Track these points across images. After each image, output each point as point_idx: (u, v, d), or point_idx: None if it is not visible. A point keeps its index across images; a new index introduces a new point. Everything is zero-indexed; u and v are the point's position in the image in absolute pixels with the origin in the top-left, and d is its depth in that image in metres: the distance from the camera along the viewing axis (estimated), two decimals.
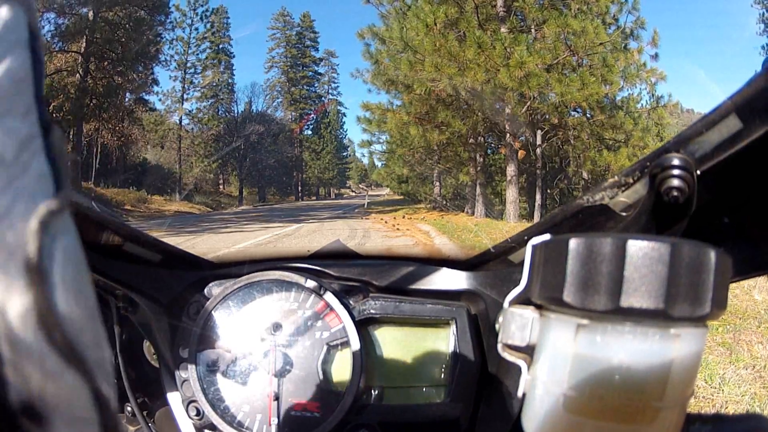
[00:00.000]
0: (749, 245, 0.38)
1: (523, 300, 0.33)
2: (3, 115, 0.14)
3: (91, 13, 19.77)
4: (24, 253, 0.12)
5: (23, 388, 0.12)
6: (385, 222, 12.25)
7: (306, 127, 41.04)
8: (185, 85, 30.45)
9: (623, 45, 11.54)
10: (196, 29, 31.06)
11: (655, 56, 11.97)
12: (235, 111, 34.22)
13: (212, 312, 0.65)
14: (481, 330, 0.63)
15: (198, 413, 0.62)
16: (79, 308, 0.14)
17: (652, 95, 13.05)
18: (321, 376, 0.62)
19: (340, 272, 0.68)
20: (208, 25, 31.68)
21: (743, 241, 0.38)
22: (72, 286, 0.14)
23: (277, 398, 0.61)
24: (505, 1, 11.48)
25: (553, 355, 0.29)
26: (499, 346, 0.34)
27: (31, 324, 0.12)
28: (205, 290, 0.67)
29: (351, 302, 0.65)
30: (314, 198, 41.15)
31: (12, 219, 0.13)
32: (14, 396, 0.12)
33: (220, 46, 32.34)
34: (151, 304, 0.62)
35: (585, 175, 13.05)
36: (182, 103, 30.13)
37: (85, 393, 0.13)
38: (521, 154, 12.07)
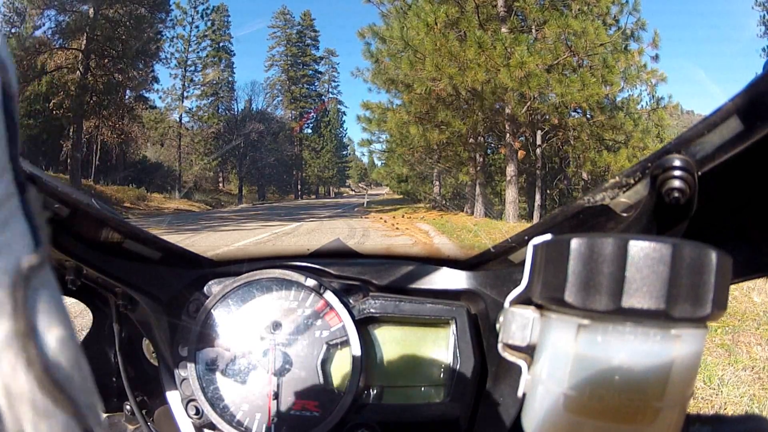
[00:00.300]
0: (750, 247, 0.38)
1: (524, 300, 0.33)
2: None
3: (91, 11, 19.75)
4: (9, 307, 0.13)
5: (17, 427, 0.13)
6: (385, 221, 12.25)
7: (306, 125, 41.05)
8: (185, 83, 30.43)
9: (624, 46, 11.55)
10: (197, 27, 31.05)
11: (656, 57, 11.98)
12: (235, 109, 34.23)
13: (212, 310, 0.65)
14: (481, 330, 0.63)
15: (197, 412, 0.62)
16: (64, 356, 0.14)
17: (653, 96, 13.07)
18: (320, 375, 0.62)
19: (340, 271, 0.68)
20: (209, 23, 31.67)
21: (744, 243, 0.38)
22: (56, 335, 0.14)
23: (276, 397, 0.61)
24: (505, 1, 11.48)
25: (554, 355, 0.29)
26: (500, 346, 0.34)
27: (22, 369, 0.13)
28: (205, 288, 0.67)
29: (351, 301, 0.65)
30: (314, 197, 41.13)
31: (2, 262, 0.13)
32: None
33: (221, 44, 32.32)
34: (151, 302, 0.62)
35: (585, 175, 13.06)
36: (182, 101, 30.12)
37: (75, 428, 0.14)
38: (521, 154, 12.07)
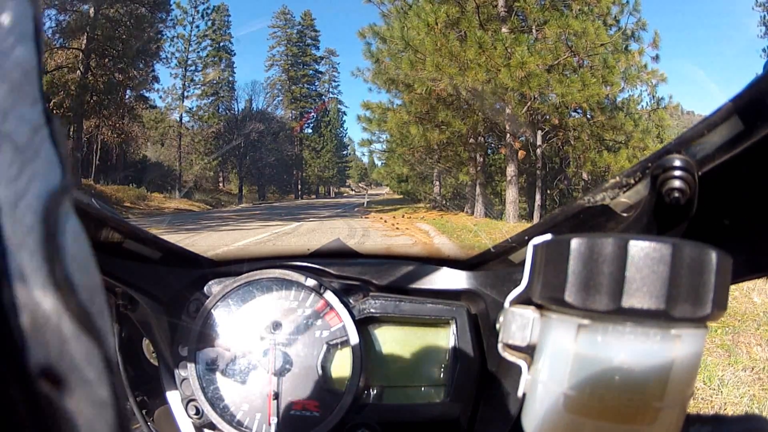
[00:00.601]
0: (749, 247, 0.38)
1: (524, 300, 0.33)
2: (16, 104, 0.15)
3: (92, 10, 19.75)
4: (41, 230, 0.14)
5: (42, 353, 0.13)
6: (385, 221, 12.25)
7: (306, 125, 41.05)
8: (186, 83, 30.43)
9: (624, 46, 11.54)
10: (197, 27, 31.04)
11: (656, 58, 11.98)
12: (236, 109, 34.22)
13: (212, 310, 0.65)
14: (481, 330, 0.63)
15: (197, 412, 0.62)
16: (88, 279, 0.15)
17: (653, 97, 13.06)
18: (320, 375, 0.62)
19: (340, 271, 0.68)
20: (209, 23, 31.66)
21: (744, 243, 0.38)
22: (81, 259, 0.15)
23: (276, 397, 0.61)
24: (506, 2, 11.47)
25: (554, 355, 0.29)
26: (500, 346, 0.34)
27: (50, 293, 0.14)
28: (205, 288, 0.67)
29: (351, 301, 0.65)
30: (314, 196, 41.13)
31: (29, 199, 0.14)
32: (34, 361, 0.13)
33: (221, 43, 32.31)
34: (151, 302, 0.62)
35: (585, 175, 13.06)
36: (183, 101, 30.12)
37: (96, 356, 0.14)
38: (521, 154, 12.06)
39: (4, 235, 0.13)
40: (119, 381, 0.13)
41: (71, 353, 0.14)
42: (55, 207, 0.15)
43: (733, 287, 0.32)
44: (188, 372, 0.63)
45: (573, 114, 12.34)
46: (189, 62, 30.63)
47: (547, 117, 11.90)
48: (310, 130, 41.41)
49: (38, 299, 0.13)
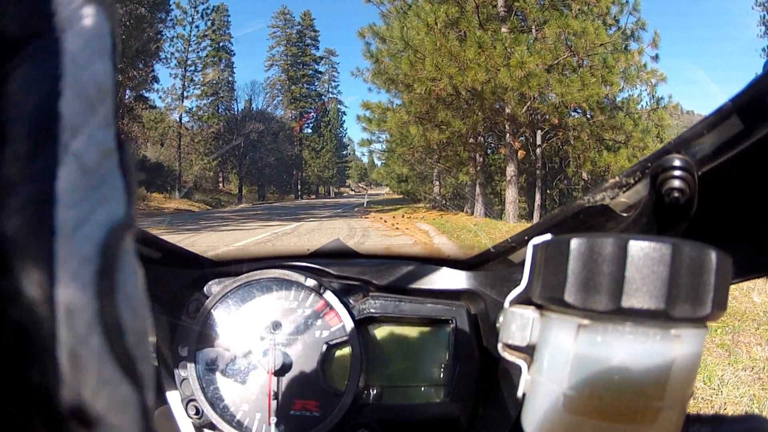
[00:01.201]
0: (749, 247, 0.38)
1: (524, 300, 0.33)
2: (88, 122, 0.14)
3: None
4: (99, 263, 0.13)
5: (77, 393, 0.12)
6: (385, 221, 12.25)
7: (306, 125, 41.04)
8: (185, 83, 30.43)
9: (624, 46, 11.54)
10: (197, 27, 31.04)
11: (656, 57, 11.97)
12: (235, 109, 34.23)
13: (212, 310, 0.65)
14: (481, 330, 0.63)
15: (197, 412, 0.62)
16: (138, 323, 0.14)
17: (653, 96, 13.06)
18: (320, 375, 0.62)
19: (340, 271, 0.68)
20: (209, 23, 31.66)
21: (743, 243, 0.38)
22: (134, 300, 0.14)
23: (276, 397, 0.61)
24: (506, 1, 11.47)
25: (554, 355, 0.29)
26: (500, 346, 0.34)
27: (96, 332, 0.13)
28: (205, 288, 0.67)
29: (351, 301, 0.65)
30: (314, 196, 41.13)
31: (90, 227, 0.13)
32: (67, 400, 0.12)
33: (221, 43, 32.32)
34: (151, 302, 0.62)
35: (585, 175, 13.06)
36: (182, 101, 30.12)
37: (134, 404, 0.14)
38: (521, 154, 12.06)
39: (57, 262, 0.12)
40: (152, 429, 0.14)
41: (108, 397, 0.13)
42: (116, 241, 0.14)
43: (733, 287, 0.32)
44: (188, 372, 0.63)
45: (573, 114, 12.34)
46: (189, 62, 30.64)
47: (547, 117, 11.90)
48: (309, 130, 41.42)
49: (83, 338, 0.13)
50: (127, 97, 23.69)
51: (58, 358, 0.12)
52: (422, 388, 0.63)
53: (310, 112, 40.46)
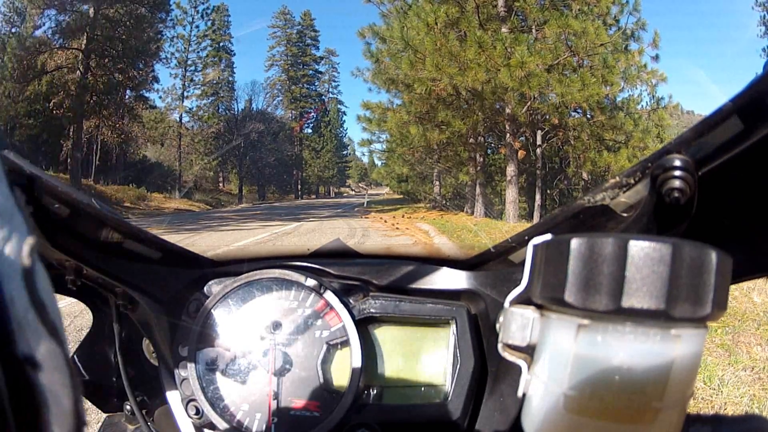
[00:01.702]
0: (749, 247, 0.38)
1: (524, 300, 0.33)
2: None
3: (92, 11, 19.75)
4: (22, 265, 0.20)
5: (25, 346, 0.19)
6: (385, 221, 12.25)
7: (306, 125, 41.06)
8: (185, 83, 30.44)
9: (624, 46, 11.55)
10: (197, 27, 31.06)
11: (656, 58, 11.98)
12: (236, 109, 34.23)
13: (212, 310, 0.65)
14: (481, 330, 0.63)
15: (197, 412, 0.62)
16: (52, 304, 0.21)
17: (653, 96, 13.07)
18: (320, 376, 0.62)
19: (340, 271, 0.68)
20: (209, 23, 31.68)
21: (743, 243, 0.38)
22: (47, 290, 0.21)
23: (276, 397, 0.61)
24: (506, 1, 11.47)
25: (554, 355, 0.29)
26: (500, 346, 0.34)
27: (30, 311, 0.19)
28: (205, 288, 0.67)
29: (351, 301, 0.65)
30: (314, 196, 41.13)
31: (12, 243, 0.20)
32: (20, 351, 0.18)
33: (221, 43, 32.32)
34: (151, 302, 0.62)
35: (585, 175, 13.06)
36: (182, 101, 30.13)
37: (60, 353, 0.20)
38: (521, 154, 12.07)
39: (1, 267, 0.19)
40: (75, 370, 0.21)
41: (44, 348, 0.19)
42: (30, 252, 0.20)
43: (733, 287, 0.32)
44: (188, 372, 0.63)
45: (573, 114, 12.34)
46: (189, 62, 30.65)
47: (547, 117, 11.90)
48: (310, 130, 41.43)
49: (23, 314, 0.19)
50: (127, 97, 23.69)
51: (12, 324, 0.18)
52: (422, 388, 0.63)
53: (310, 112, 40.48)
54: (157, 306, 0.63)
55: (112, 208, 0.59)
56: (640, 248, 0.25)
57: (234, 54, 33.30)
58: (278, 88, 39.68)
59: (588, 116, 12.05)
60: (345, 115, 44.66)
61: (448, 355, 0.64)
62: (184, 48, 30.18)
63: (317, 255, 0.73)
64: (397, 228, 10.21)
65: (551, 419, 0.29)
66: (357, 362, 0.61)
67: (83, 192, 0.53)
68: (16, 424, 0.18)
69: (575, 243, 0.27)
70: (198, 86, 31.03)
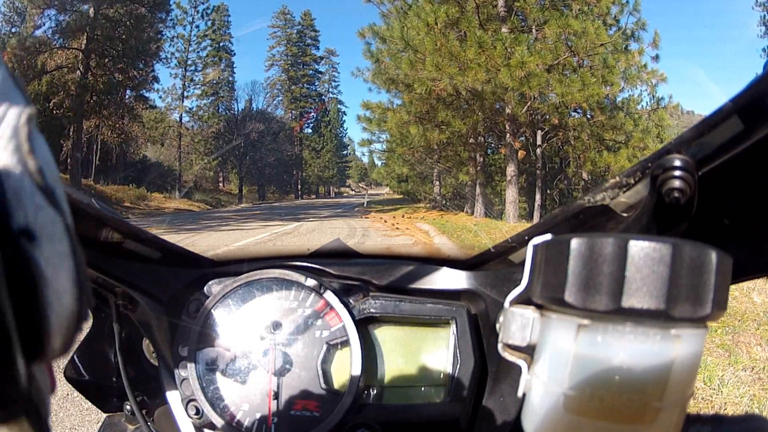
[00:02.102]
0: (749, 247, 0.38)
1: (524, 300, 0.33)
2: None
3: (92, 10, 19.75)
4: (22, 135, 0.19)
5: (22, 217, 0.18)
6: (385, 221, 12.26)
7: (306, 125, 41.06)
8: (186, 83, 30.45)
9: (624, 46, 11.55)
10: (197, 27, 31.06)
11: (656, 58, 11.98)
12: (236, 109, 34.23)
13: (212, 310, 0.65)
14: (481, 330, 0.63)
15: (197, 412, 0.62)
16: (51, 171, 0.20)
17: (653, 96, 13.07)
18: (321, 375, 0.62)
19: (340, 271, 0.68)
20: (209, 23, 31.68)
21: (743, 243, 0.38)
22: (47, 157, 0.21)
23: (276, 397, 0.61)
24: (506, 1, 11.48)
25: (554, 355, 0.29)
26: (500, 346, 0.34)
27: (27, 174, 0.19)
28: (205, 288, 0.67)
29: (351, 301, 0.65)
30: (314, 196, 41.12)
31: (10, 117, 0.19)
32: (16, 223, 0.17)
33: (221, 43, 32.33)
34: (151, 302, 0.62)
35: (585, 175, 13.06)
36: (182, 101, 30.13)
37: (60, 222, 0.19)
38: (521, 154, 12.07)
39: None
40: (76, 240, 0.20)
41: (42, 218, 0.18)
42: (27, 123, 0.20)
43: (733, 287, 0.32)
44: (188, 372, 0.63)
45: (573, 114, 12.34)
46: (189, 62, 30.66)
47: (547, 117, 11.90)
48: (310, 130, 41.43)
49: (19, 182, 0.18)
50: (127, 96, 23.68)
51: (7, 192, 0.18)
52: (422, 388, 0.63)
53: (310, 112, 40.48)
54: (157, 306, 0.63)
55: (112, 208, 0.59)
56: (640, 248, 0.25)
57: (234, 54, 33.34)
58: (278, 88, 39.69)
59: (588, 116, 12.05)
60: (345, 115, 44.70)
61: (448, 355, 0.64)
62: (184, 48, 30.20)
63: (317, 255, 0.73)
64: (397, 228, 10.21)
65: (551, 419, 0.29)
66: (357, 362, 0.61)
67: (83, 192, 0.53)
68: (12, 303, 0.17)
69: (575, 243, 0.27)
70: (198, 86, 31.05)
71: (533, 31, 11.51)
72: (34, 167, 0.19)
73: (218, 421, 0.61)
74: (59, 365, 0.58)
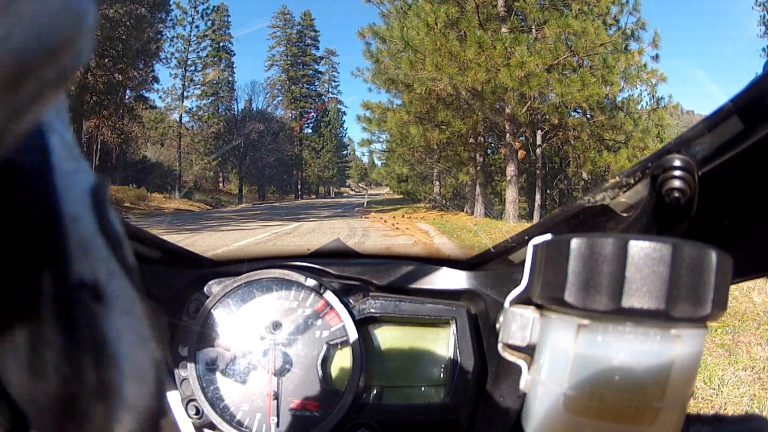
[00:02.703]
0: (749, 247, 0.38)
1: (524, 300, 0.33)
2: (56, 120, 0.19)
3: None
4: (90, 197, 0.18)
5: (87, 270, 0.16)
6: (385, 221, 12.25)
7: (306, 125, 41.03)
8: (185, 83, 30.42)
9: (624, 46, 11.54)
10: (197, 27, 31.02)
11: (656, 57, 11.97)
12: (236, 109, 34.19)
13: (212, 310, 0.65)
14: (481, 330, 0.63)
15: (197, 412, 0.62)
16: (124, 240, 0.19)
17: (653, 96, 13.05)
18: (320, 375, 0.62)
19: (340, 271, 0.68)
20: (209, 23, 31.65)
21: (743, 243, 0.38)
22: (118, 224, 0.20)
23: (276, 397, 0.61)
24: (506, 1, 11.47)
25: (554, 355, 0.29)
26: (500, 346, 0.34)
27: (99, 235, 0.17)
28: (205, 288, 0.67)
29: (351, 301, 0.65)
30: (314, 196, 41.11)
31: (79, 178, 0.18)
32: (77, 273, 0.16)
33: (221, 43, 32.30)
34: (151, 302, 0.62)
35: (585, 175, 13.05)
36: (182, 101, 30.11)
37: (127, 282, 0.18)
38: (521, 154, 12.06)
39: (64, 190, 0.17)
40: (150, 304, 0.18)
41: (108, 273, 0.17)
42: (100, 189, 0.19)
43: (733, 287, 0.32)
44: (188, 372, 0.63)
45: (573, 114, 12.33)
46: (189, 62, 30.62)
47: (547, 117, 11.89)
48: (310, 130, 41.40)
49: (90, 234, 0.17)
50: (127, 97, 23.68)
51: (71, 242, 0.16)
52: (422, 388, 0.63)
53: (310, 112, 40.46)
54: (157, 306, 0.63)
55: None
56: (640, 248, 0.25)
57: (234, 54, 33.30)
58: (278, 88, 39.67)
59: (588, 116, 12.05)
60: (345, 115, 44.67)
61: (448, 355, 0.64)
62: (184, 48, 30.18)
63: (317, 255, 0.73)
64: (397, 228, 10.21)
65: (551, 419, 0.29)
66: (357, 362, 0.61)
67: None
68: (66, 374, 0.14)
69: (575, 243, 0.27)
70: (198, 86, 31.03)
71: (533, 31, 11.50)
72: (107, 230, 0.18)
73: (218, 421, 0.61)
74: None
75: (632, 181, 0.36)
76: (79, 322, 0.15)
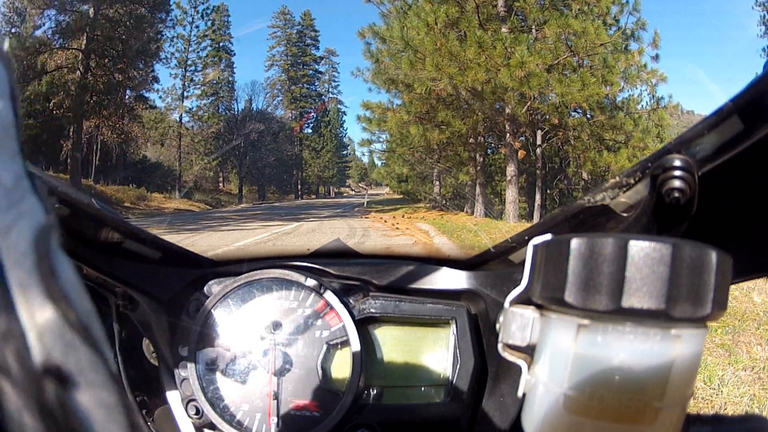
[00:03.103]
0: (749, 247, 0.38)
1: (524, 300, 0.33)
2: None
3: (91, 10, 19.74)
4: (35, 253, 0.16)
5: (46, 354, 0.14)
6: (385, 221, 12.25)
7: (306, 125, 41.02)
8: (185, 83, 30.42)
9: (624, 46, 11.54)
10: (197, 27, 31.02)
11: (656, 57, 11.97)
12: (236, 109, 34.18)
13: (212, 310, 0.65)
14: (481, 330, 0.63)
15: (197, 412, 0.62)
16: (82, 302, 0.16)
17: (653, 96, 13.05)
18: (320, 375, 0.62)
19: (340, 271, 0.68)
20: (209, 23, 31.65)
21: (744, 243, 0.38)
22: (74, 284, 0.17)
23: (276, 397, 0.61)
24: (506, 1, 11.47)
25: (554, 355, 0.29)
26: (500, 346, 0.34)
27: (49, 304, 0.15)
28: (205, 288, 0.67)
29: (351, 301, 0.65)
30: (314, 196, 41.09)
31: (21, 228, 0.16)
32: (38, 360, 0.14)
33: (221, 43, 32.29)
34: (151, 302, 0.62)
35: (585, 175, 13.05)
36: (182, 101, 30.11)
37: (100, 364, 0.16)
38: (521, 154, 12.06)
39: (2, 255, 0.15)
40: (124, 392, 0.16)
41: (75, 357, 0.15)
42: (45, 238, 0.16)
43: (733, 287, 0.32)
44: (188, 372, 0.63)
45: (573, 114, 12.34)
46: (189, 62, 30.62)
47: (547, 117, 11.89)
48: (310, 130, 41.39)
49: (39, 307, 0.15)
50: (127, 97, 23.67)
51: (23, 325, 0.14)
52: (422, 388, 0.63)
53: (310, 112, 40.45)
54: (157, 306, 0.63)
55: (112, 208, 0.59)
56: (640, 248, 0.25)
57: (234, 54, 33.29)
58: (278, 88, 39.65)
59: (588, 116, 12.05)
60: (345, 115, 44.64)
61: (448, 355, 0.64)
62: (184, 48, 30.17)
63: (317, 255, 0.73)
64: (397, 228, 10.21)
65: (551, 419, 0.29)
66: (357, 362, 0.61)
67: (83, 192, 0.54)
68: None
69: (575, 243, 0.27)
70: (198, 86, 31.03)
71: (533, 31, 11.50)
72: (57, 292, 0.16)
73: (218, 421, 0.61)
74: None
75: (632, 181, 0.36)
76: (49, 411, 0.14)
